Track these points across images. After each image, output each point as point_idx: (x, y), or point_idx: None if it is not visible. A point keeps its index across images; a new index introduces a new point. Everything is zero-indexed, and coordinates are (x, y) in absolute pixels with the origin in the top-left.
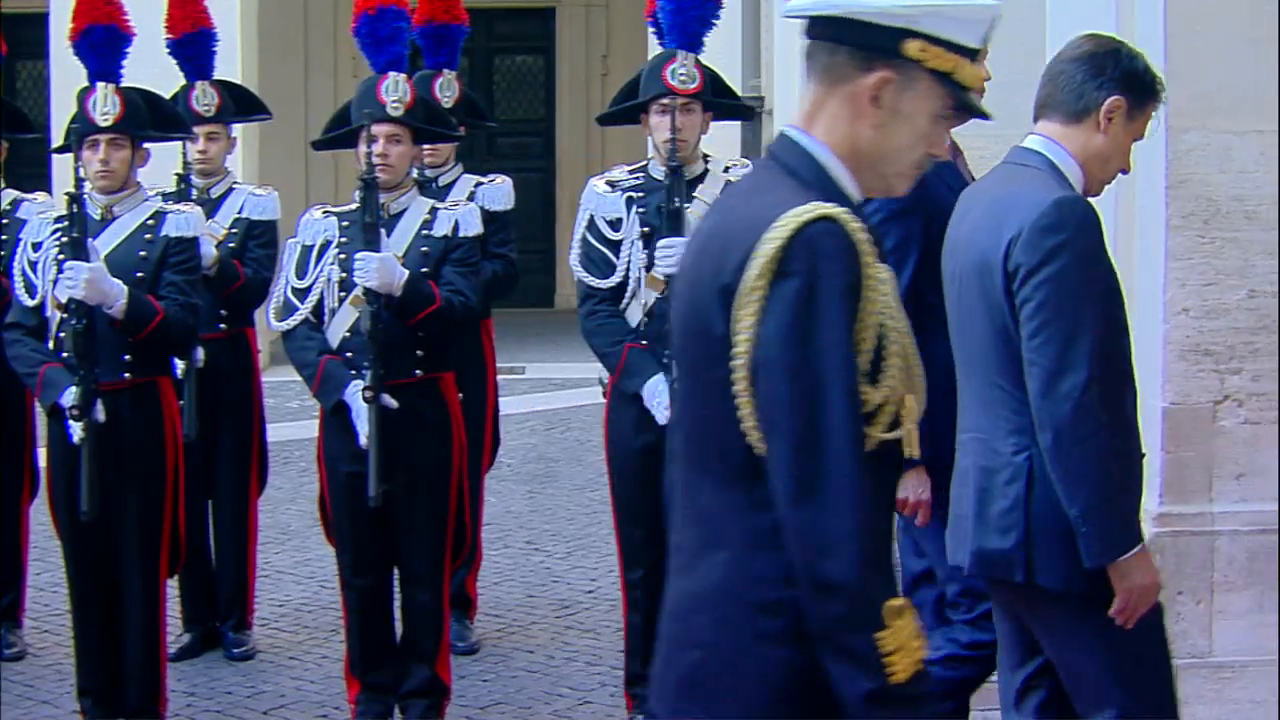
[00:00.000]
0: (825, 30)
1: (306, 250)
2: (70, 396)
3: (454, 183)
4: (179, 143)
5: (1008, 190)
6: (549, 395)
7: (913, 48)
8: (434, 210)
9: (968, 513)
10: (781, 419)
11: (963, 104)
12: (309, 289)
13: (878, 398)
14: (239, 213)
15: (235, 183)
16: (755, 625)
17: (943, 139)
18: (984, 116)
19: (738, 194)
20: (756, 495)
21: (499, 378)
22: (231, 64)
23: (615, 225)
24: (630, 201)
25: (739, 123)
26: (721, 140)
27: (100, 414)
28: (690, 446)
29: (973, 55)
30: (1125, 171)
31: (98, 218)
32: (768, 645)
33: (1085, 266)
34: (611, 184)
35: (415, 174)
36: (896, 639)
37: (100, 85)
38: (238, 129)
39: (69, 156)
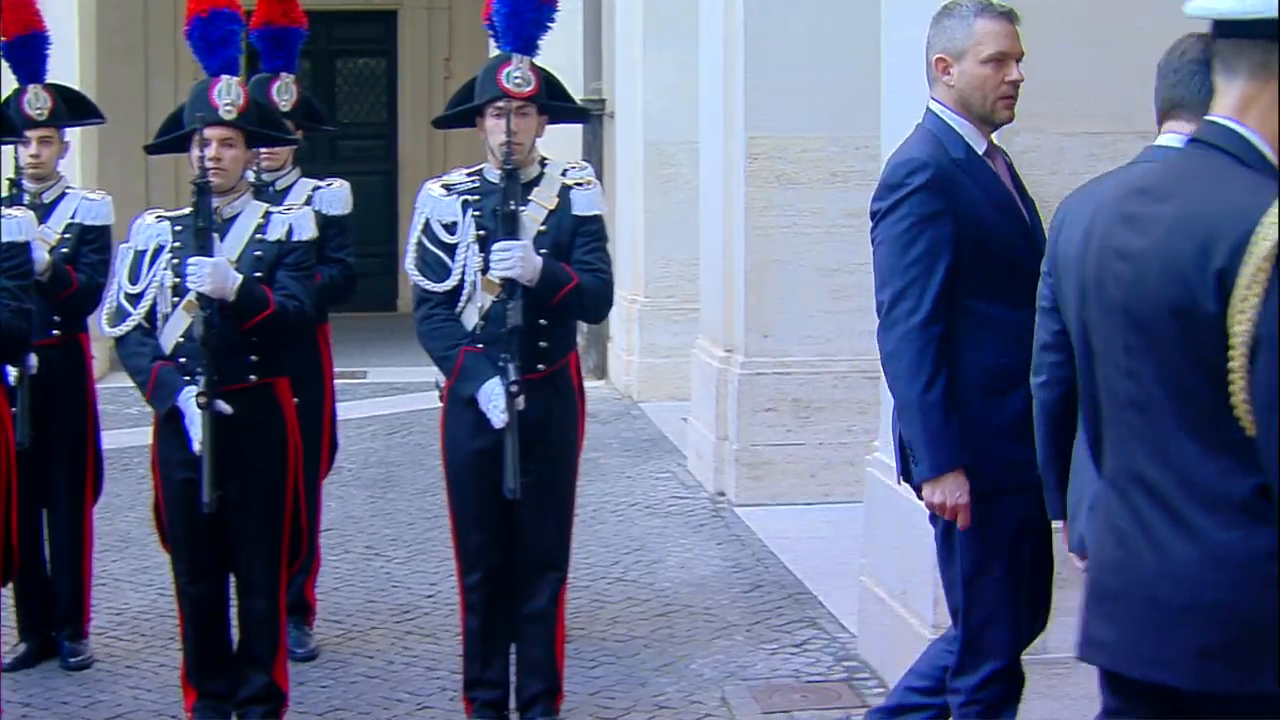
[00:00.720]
0: (1257, 29)
1: (139, 255)
2: None
3: (291, 186)
4: (10, 147)
5: None
6: (391, 399)
7: None
8: (268, 214)
9: None
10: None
11: None
12: (141, 294)
13: None
14: (72, 218)
15: (68, 187)
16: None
17: None
18: None
19: (1191, 180)
20: (1248, 460)
21: (340, 382)
22: (69, 67)
23: (451, 228)
24: (466, 205)
25: (579, 125)
26: (564, 142)
27: None
28: (1167, 418)
29: None
30: None
31: None
32: None
33: None
34: (447, 187)
35: (251, 178)
36: None
37: None
38: (73, 133)
39: None
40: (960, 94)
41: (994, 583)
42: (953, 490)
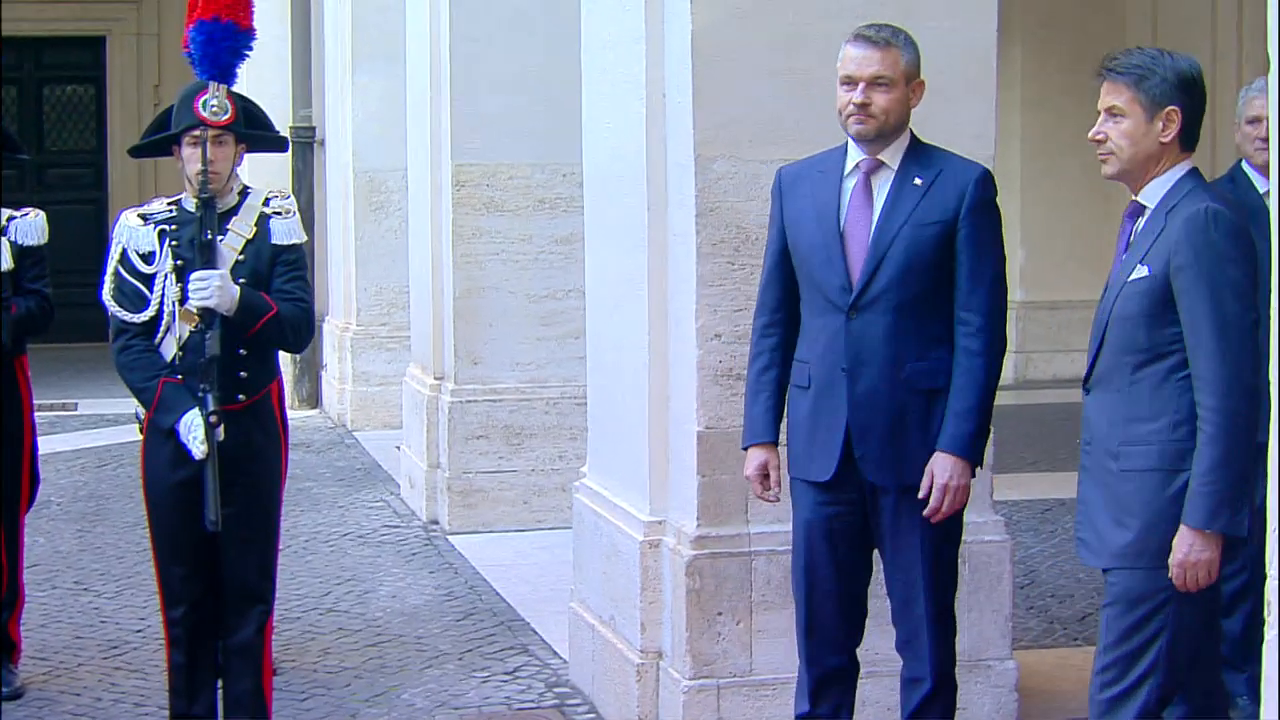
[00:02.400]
0: None
1: None
2: None
3: None
4: None
5: None
6: (102, 431)
7: None
8: None
9: None
10: None
11: None
12: None
13: None
14: None
15: None
16: None
17: None
18: None
19: None
20: None
21: (50, 414)
22: None
23: (148, 258)
24: (163, 234)
25: (285, 154)
26: (274, 169)
27: None
28: None
29: None
30: None
31: None
32: None
33: None
34: (144, 217)
35: None
36: None
37: None
38: None
39: None
40: None
41: (793, 568)
42: (746, 463)
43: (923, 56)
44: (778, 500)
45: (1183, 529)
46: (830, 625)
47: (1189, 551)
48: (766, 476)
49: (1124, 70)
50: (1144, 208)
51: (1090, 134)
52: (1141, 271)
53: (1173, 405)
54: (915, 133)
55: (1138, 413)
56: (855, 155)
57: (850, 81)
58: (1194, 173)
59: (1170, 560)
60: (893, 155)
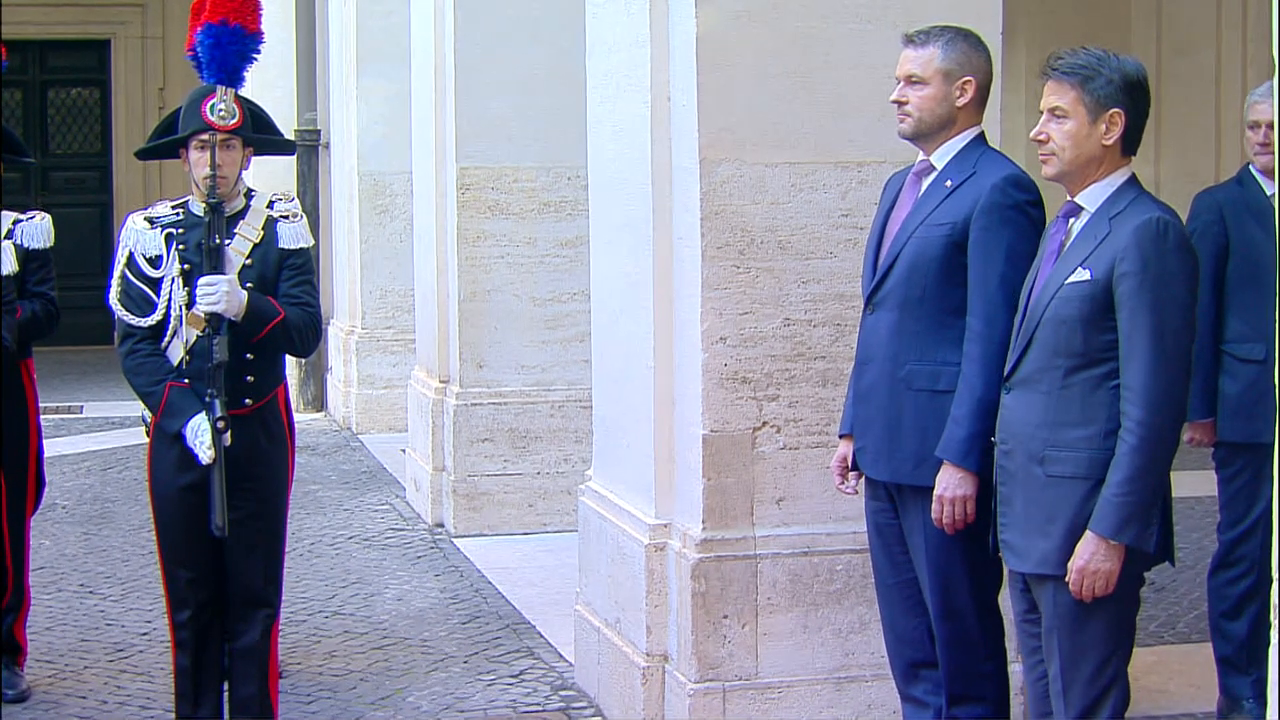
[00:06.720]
0: None
1: None
2: None
3: None
4: None
5: None
6: (107, 434)
7: None
8: None
9: None
10: None
11: None
12: None
13: None
14: None
15: None
16: None
17: None
18: None
19: None
20: None
21: (56, 417)
22: None
23: (154, 262)
24: (170, 238)
25: (290, 157)
26: (279, 172)
27: None
28: None
29: None
30: None
31: None
32: None
33: None
34: (150, 220)
35: None
36: None
37: None
38: None
39: None
40: None
41: None
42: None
43: None
44: (854, 493)
45: (1088, 535)
46: (895, 618)
47: (1090, 559)
48: (848, 469)
49: (1069, 70)
50: (1079, 209)
51: (1032, 134)
52: (1083, 275)
53: (1105, 413)
54: (986, 136)
55: (1067, 417)
56: (920, 157)
57: (899, 81)
58: (1134, 179)
59: (1070, 564)
60: (942, 156)
